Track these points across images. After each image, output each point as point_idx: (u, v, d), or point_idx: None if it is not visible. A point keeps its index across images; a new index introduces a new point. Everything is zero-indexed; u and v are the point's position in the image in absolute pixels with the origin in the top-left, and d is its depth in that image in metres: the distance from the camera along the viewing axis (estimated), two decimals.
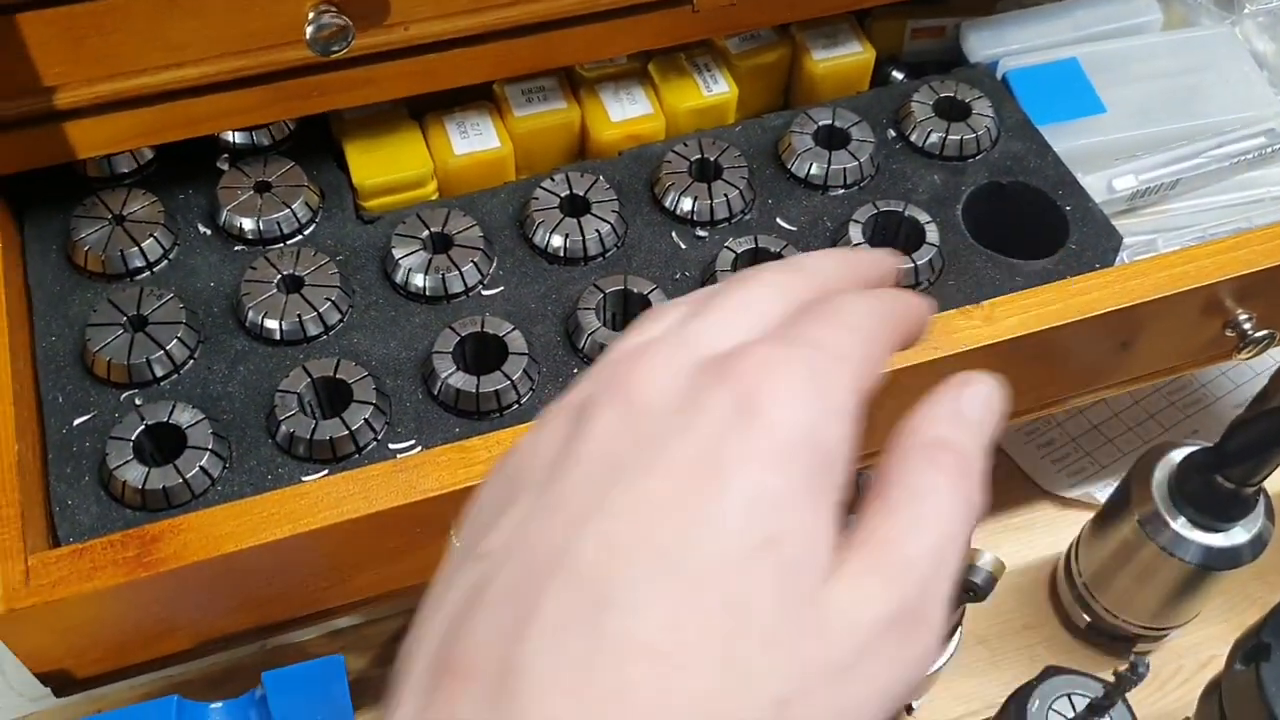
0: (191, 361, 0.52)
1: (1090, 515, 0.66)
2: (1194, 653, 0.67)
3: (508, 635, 0.20)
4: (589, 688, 0.19)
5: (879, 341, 0.25)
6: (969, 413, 0.25)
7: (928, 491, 0.23)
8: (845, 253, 0.32)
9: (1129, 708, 0.48)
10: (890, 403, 0.53)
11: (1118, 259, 0.59)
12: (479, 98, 0.61)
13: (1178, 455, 0.59)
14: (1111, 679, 0.46)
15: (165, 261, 0.55)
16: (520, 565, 0.21)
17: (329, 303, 0.53)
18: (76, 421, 0.50)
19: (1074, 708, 0.48)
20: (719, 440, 0.22)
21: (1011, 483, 0.73)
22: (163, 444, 0.50)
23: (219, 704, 0.49)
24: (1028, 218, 0.60)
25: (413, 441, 0.50)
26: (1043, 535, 0.71)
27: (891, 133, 0.62)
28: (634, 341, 0.25)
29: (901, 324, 0.27)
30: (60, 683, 0.48)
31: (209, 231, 0.57)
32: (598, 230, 0.56)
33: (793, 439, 0.22)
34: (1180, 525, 0.58)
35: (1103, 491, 0.71)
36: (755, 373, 0.22)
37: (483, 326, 0.52)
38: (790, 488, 0.21)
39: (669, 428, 0.22)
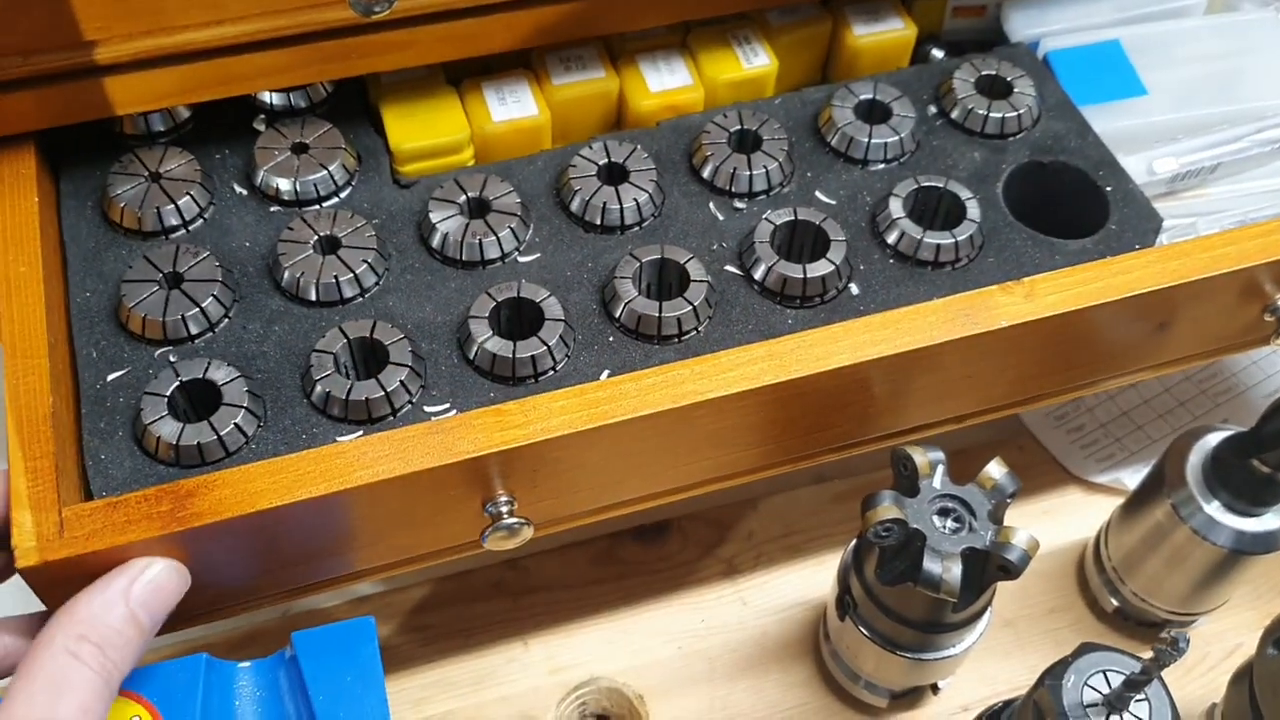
0: (226, 320, 0.52)
1: (1119, 501, 0.65)
2: (1220, 640, 0.66)
3: None
4: None
5: None
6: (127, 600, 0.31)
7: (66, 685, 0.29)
8: None
9: (1165, 686, 0.47)
10: (924, 379, 0.53)
11: (1157, 241, 0.58)
12: (517, 65, 0.61)
13: (1214, 438, 0.58)
14: (1148, 658, 0.46)
15: (201, 220, 0.55)
16: None
17: (365, 265, 0.53)
18: (110, 377, 0.50)
19: (1109, 685, 0.47)
20: None
21: (1040, 468, 0.73)
22: (197, 401, 0.49)
23: (247, 663, 0.49)
24: (1068, 197, 0.59)
25: (448, 405, 0.50)
26: (1070, 520, 0.70)
27: (932, 109, 0.61)
28: None
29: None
30: None
31: (245, 191, 0.56)
32: (635, 199, 0.56)
33: None
34: (1214, 509, 0.57)
35: (1132, 477, 0.71)
36: None
37: (519, 292, 0.52)
38: None
39: None
